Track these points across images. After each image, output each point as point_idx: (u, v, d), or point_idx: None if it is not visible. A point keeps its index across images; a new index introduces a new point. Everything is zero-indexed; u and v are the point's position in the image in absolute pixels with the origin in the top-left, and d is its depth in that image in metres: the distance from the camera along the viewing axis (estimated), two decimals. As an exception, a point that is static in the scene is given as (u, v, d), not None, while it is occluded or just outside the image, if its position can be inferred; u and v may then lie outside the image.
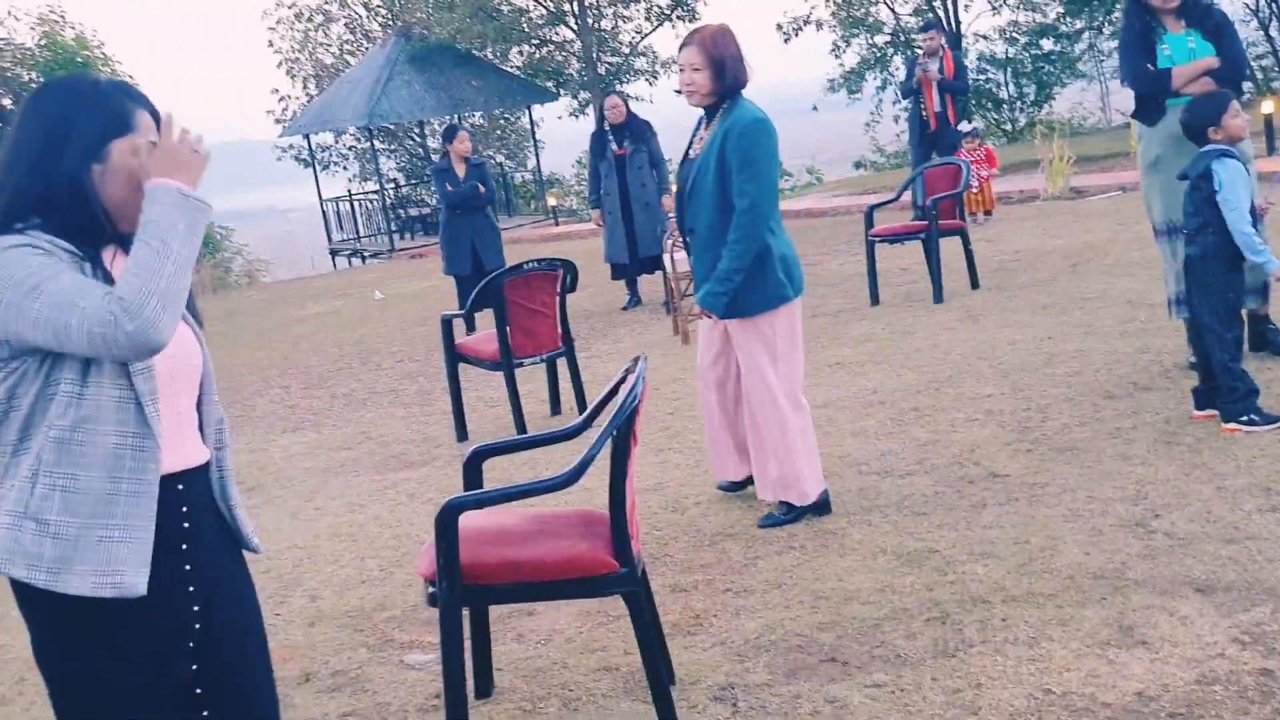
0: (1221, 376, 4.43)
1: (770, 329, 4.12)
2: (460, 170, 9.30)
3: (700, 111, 4.24)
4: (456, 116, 22.28)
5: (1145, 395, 5.04)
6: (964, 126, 11.42)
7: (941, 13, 23.05)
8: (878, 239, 8.27)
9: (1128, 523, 3.76)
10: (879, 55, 23.34)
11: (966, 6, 23.38)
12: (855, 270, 9.12)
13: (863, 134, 23.36)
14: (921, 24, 15.12)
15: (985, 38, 23.54)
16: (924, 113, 11.06)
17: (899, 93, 11.86)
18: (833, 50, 23.84)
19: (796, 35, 23.81)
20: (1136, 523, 3.75)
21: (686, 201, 4.20)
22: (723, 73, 4.04)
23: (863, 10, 23.55)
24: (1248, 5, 19.72)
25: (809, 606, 3.53)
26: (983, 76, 23.33)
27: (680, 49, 4.14)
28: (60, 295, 1.87)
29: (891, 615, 3.38)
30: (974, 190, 10.96)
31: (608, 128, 9.52)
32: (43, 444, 1.92)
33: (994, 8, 23.11)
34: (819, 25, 23.72)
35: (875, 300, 8.17)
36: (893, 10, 23.46)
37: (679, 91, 4.23)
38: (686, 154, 4.30)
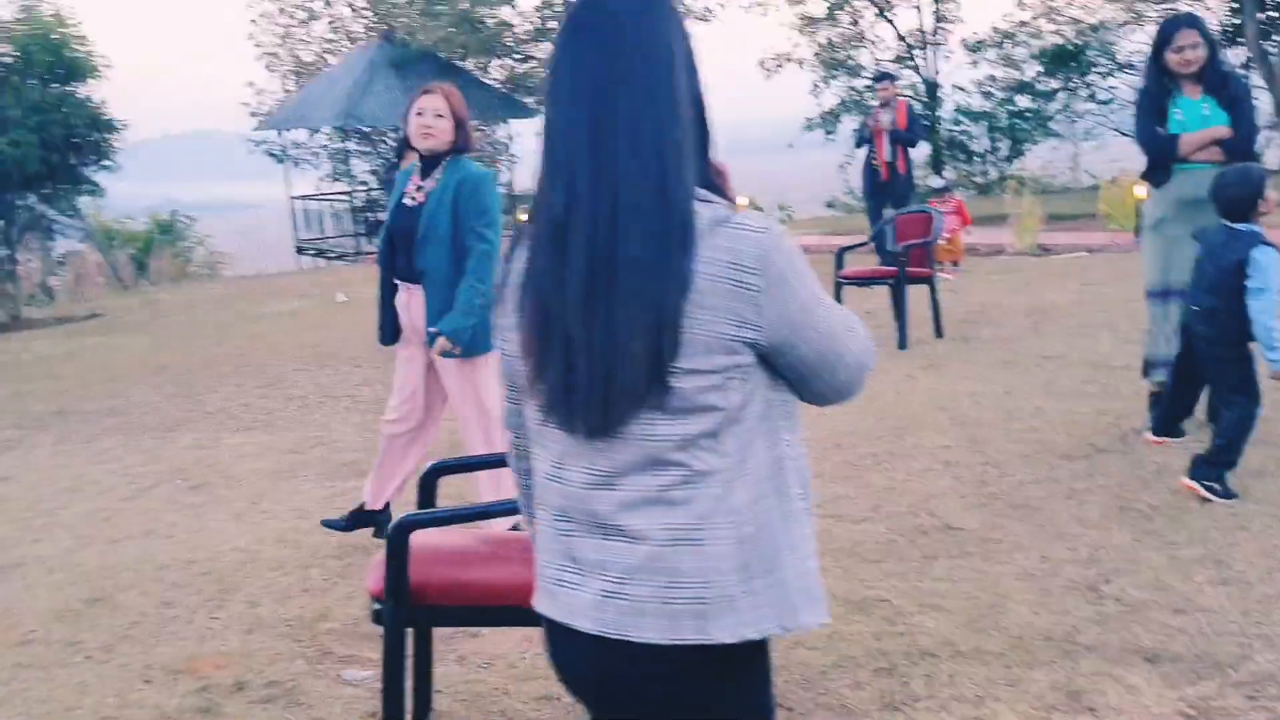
0: (1223, 440, 4.40)
1: (488, 367, 4.44)
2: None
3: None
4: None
5: (1102, 458, 5.07)
6: (935, 182, 11.52)
7: (922, 62, 23.34)
8: (846, 281, 8.31)
9: (1079, 585, 3.77)
10: (857, 99, 23.56)
11: (947, 57, 23.68)
12: (821, 310, 9.13)
13: (836, 175, 23.49)
14: (875, 75, 15.15)
15: (963, 89, 23.84)
16: (874, 162, 11.15)
17: (855, 140, 11.93)
18: (812, 90, 24.05)
19: (779, 70, 24.03)
20: (1088, 586, 3.76)
21: (416, 246, 4.41)
22: (461, 128, 4.42)
23: (844, 53, 23.80)
24: (1256, 70, 19.57)
25: (757, 648, 3.49)
26: (958, 128, 23.62)
27: (422, 94, 4.42)
28: (841, 312, 1.56)
29: (838, 664, 3.35)
30: (944, 241, 11.07)
31: None
32: (774, 464, 1.56)
33: (973, 62, 23.43)
34: (800, 64, 23.94)
35: (839, 342, 8.18)
36: (875, 56, 23.72)
37: (413, 137, 4.42)
38: (400, 203, 4.45)
